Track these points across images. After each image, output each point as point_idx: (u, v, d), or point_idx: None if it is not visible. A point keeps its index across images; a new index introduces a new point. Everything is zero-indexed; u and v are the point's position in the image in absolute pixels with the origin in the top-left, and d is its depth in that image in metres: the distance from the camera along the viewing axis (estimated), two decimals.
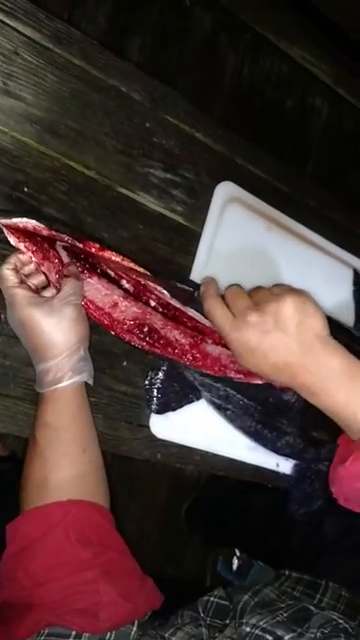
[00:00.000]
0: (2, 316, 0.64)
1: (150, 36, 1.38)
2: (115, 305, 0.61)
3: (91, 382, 0.62)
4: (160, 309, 0.62)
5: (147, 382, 0.72)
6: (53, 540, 0.57)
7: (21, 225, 0.58)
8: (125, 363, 0.72)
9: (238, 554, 1.29)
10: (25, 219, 0.58)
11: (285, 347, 0.58)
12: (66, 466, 0.60)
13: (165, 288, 0.62)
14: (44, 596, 0.55)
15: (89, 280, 0.61)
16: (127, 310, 0.61)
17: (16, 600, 0.56)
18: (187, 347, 0.62)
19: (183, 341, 0.62)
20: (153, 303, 0.62)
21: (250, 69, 1.53)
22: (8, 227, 0.57)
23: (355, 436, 0.59)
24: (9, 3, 0.67)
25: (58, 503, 0.58)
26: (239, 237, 0.82)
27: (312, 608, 0.71)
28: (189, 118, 0.79)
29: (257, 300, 0.61)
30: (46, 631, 0.54)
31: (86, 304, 0.61)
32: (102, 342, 0.70)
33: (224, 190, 0.81)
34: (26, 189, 0.65)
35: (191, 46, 1.44)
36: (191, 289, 0.66)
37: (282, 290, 0.60)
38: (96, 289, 0.61)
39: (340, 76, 1.70)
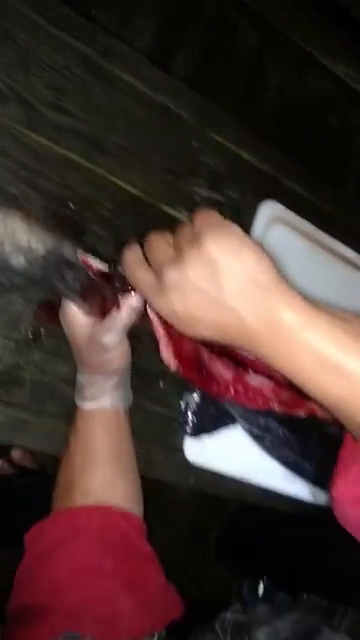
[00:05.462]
0: (42, 332, 0.63)
1: (196, 51, 1.38)
2: (181, 340, 0.59)
3: (122, 408, 0.61)
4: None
5: (182, 404, 0.70)
6: (76, 545, 0.56)
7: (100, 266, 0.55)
8: (161, 383, 0.71)
9: (265, 578, 1.26)
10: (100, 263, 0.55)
11: (216, 304, 0.44)
12: (94, 473, 0.59)
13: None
14: (63, 602, 0.54)
15: None
16: (189, 345, 0.59)
17: (35, 604, 0.55)
18: (229, 380, 0.60)
19: (225, 375, 0.60)
20: None
21: (294, 86, 1.52)
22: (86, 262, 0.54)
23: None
24: (63, 19, 0.67)
25: (84, 507, 0.57)
26: (282, 257, 0.79)
27: (324, 628, 0.68)
28: (235, 137, 0.78)
29: (178, 245, 0.46)
30: (61, 636, 0.53)
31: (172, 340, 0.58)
32: (139, 361, 0.69)
33: (268, 210, 0.80)
34: (72, 205, 0.65)
35: (236, 62, 1.44)
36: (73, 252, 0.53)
37: (200, 225, 0.45)
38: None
39: None
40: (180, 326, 0.49)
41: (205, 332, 0.47)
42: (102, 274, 0.53)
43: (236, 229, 0.44)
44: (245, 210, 0.78)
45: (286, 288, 0.43)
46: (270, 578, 1.02)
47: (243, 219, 0.78)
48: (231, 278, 0.43)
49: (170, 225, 0.73)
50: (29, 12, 0.65)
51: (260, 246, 0.44)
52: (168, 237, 0.48)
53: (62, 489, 0.60)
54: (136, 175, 0.70)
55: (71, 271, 0.51)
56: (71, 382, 0.63)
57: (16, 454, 1.03)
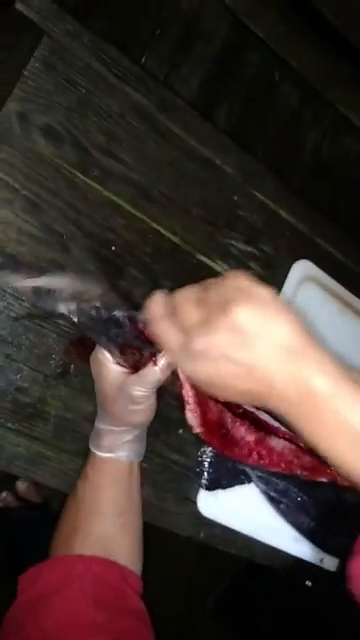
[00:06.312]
0: (71, 368, 0.64)
1: (238, 105, 1.42)
2: (207, 404, 0.59)
3: (136, 462, 0.61)
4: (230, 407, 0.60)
5: (200, 455, 0.70)
6: (69, 595, 0.55)
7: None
8: (181, 431, 0.71)
9: None
10: None
11: (247, 373, 0.43)
12: (98, 523, 0.58)
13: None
14: None
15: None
16: (213, 408, 0.59)
17: None
18: (253, 444, 0.59)
19: (248, 438, 0.60)
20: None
21: (330, 146, 1.55)
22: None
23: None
24: (122, 68, 0.70)
25: (82, 557, 0.56)
26: (311, 317, 0.81)
27: None
28: (276, 195, 0.80)
29: (206, 309, 0.44)
30: None
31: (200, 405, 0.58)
32: (160, 407, 0.69)
33: (301, 268, 0.81)
34: (114, 248, 0.66)
35: (275, 118, 1.47)
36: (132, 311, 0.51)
37: (231, 289, 0.43)
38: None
39: None
40: (210, 390, 0.48)
41: (236, 398, 0.47)
42: (146, 332, 0.52)
43: (266, 294, 0.43)
44: (278, 266, 0.80)
45: (318, 353, 0.42)
46: None
47: (276, 276, 0.79)
48: (262, 346, 0.42)
49: (204, 274, 0.74)
50: (92, 60, 0.68)
51: (291, 310, 0.43)
52: (195, 295, 0.45)
53: (63, 534, 0.59)
54: (177, 224, 0.72)
55: (117, 329, 0.51)
56: (94, 421, 0.63)
57: (21, 486, 1.01)
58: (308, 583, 0.90)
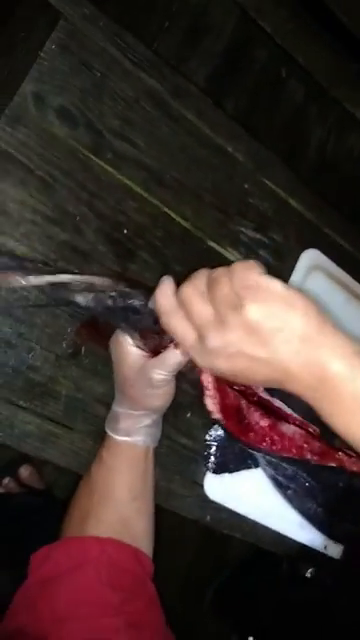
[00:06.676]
0: (82, 349, 0.64)
1: (244, 100, 1.43)
2: (225, 390, 0.59)
3: (152, 446, 0.61)
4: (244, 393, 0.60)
5: (207, 438, 0.70)
6: (84, 576, 0.55)
7: None
8: (189, 414, 0.71)
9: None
10: None
11: (265, 364, 0.44)
12: (111, 507, 0.58)
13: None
14: (64, 634, 0.52)
15: None
16: (231, 394, 0.60)
17: (33, 631, 0.53)
18: (267, 429, 0.60)
19: (262, 423, 0.60)
20: (237, 387, 0.60)
21: (335, 143, 1.57)
22: None
23: None
24: (138, 54, 0.70)
25: (97, 538, 0.56)
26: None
27: None
28: (286, 184, 0.80)
29: (217, 306, 0.44)
30: None
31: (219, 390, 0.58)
32: None
33: (310, 257, 0.82)
34: (125, 231, 0.67)
35: (281, 114, 1.49)
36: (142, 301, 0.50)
37: (241, 287, 0.43)
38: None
39: None
40: (229, 379, 0.49)
41: (256, 383, 0.49)
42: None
43: (277, 287, 0.42)
44: (287, 255, 0.80)
45: (333, 337, 0.43)
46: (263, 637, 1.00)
47: (285, 264, 0.80)
48: (278, 339, 0.42)
49: (214, 260, 0.75)
50: (107, 45, 0.68)
51: (304, 297, 0.43)
52: (204, 288, 0.45)
53: (76, 516, 0.59)
54: (188, 209, 0.72)
55: (136, 315, 0.51)
56: (104, 402, 0.64)
57: (24, 472, 1.02)
58: (308, 575, 0.90)
